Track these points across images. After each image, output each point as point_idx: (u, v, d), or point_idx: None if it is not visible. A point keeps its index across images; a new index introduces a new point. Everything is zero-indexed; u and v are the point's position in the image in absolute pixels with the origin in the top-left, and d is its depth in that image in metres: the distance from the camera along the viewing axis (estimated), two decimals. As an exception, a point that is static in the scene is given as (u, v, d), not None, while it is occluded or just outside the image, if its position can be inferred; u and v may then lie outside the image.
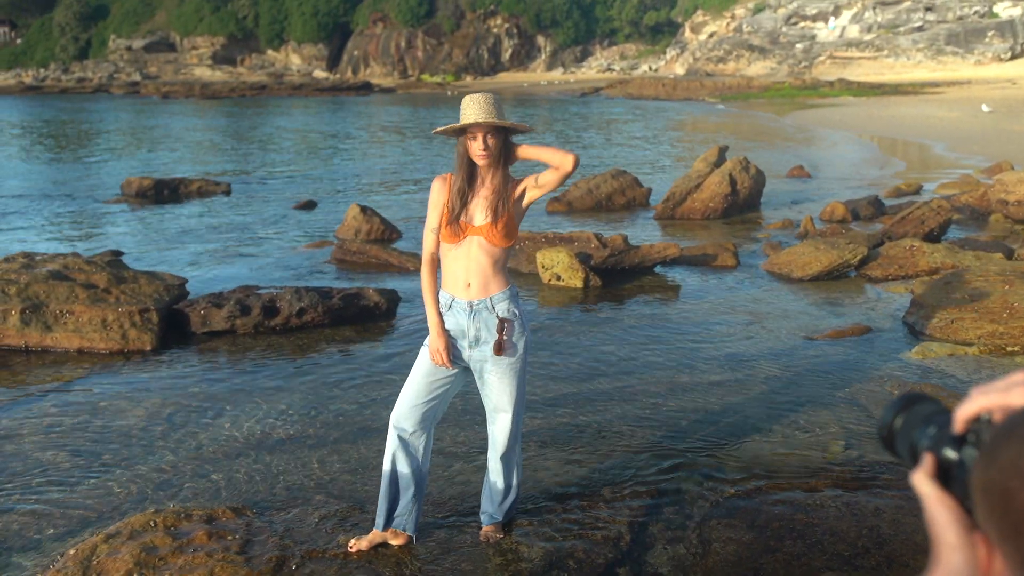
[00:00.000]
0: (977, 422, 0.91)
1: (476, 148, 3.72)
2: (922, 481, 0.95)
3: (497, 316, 3.83)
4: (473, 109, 3.69)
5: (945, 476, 0.93)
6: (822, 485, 4.65)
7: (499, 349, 3.84)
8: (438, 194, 3.86)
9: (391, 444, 3.92)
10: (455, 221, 3.78)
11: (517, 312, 3.89)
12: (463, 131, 3.76)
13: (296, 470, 4.85)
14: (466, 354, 3.88)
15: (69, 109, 48.29)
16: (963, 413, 0.92)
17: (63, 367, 6.57)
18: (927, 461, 0.95)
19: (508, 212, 3.82)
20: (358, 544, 3.96)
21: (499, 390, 3.92)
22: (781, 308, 8.12)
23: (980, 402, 0.91)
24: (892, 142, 25.54)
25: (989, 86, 46.65)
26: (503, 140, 3.78)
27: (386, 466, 3.92)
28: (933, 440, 0.95)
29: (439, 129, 3.86)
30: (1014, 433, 0.82)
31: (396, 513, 3.96)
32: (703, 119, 36.09)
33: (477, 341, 3.84)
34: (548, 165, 3.86)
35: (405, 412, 3.90)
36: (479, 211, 3.80)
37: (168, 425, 5.49)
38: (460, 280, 3.82)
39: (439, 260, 3.92)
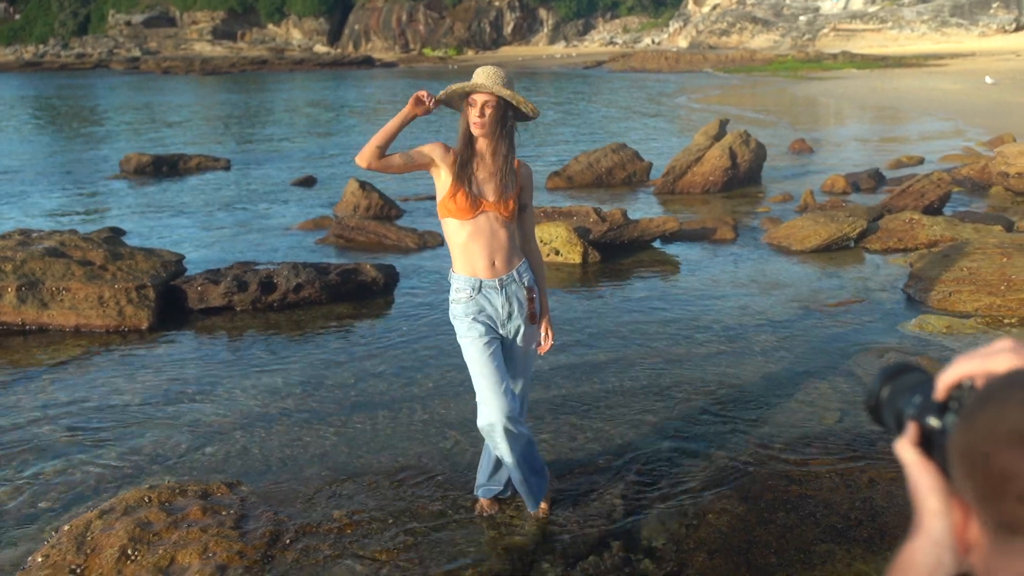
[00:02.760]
0: (959, 389, 0.91)
1: (473, 114, 3.63)
2: (905, 448, 0.94)
3: (525, 286, 3.82)
4: (479, 76, 3.64)
5: (928, 444, 0.93)
6: (817, 456, 4.66)
7: (533, 317, 3.84)
8: (434, 149, 3.70)
9: (503, 440, 3.70)
10: (465, 192, 3.67)
11: (535, 279, 3.89)
12: (466, 97, 3.67)
13: (291, 445, 4.86)
14: (501, 332, 3.82)
15: (68, 85, 48.13)
16: (945, 380, 0.92)
17: (60, 344, 6.58)
18: (911, 429, 0.95)
19: (515, 189, 3.79)
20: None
21: (524, 359, 3.91)
22: (779, 280, 8.11)
23: (962, 369, 0.91)
24: (896, 113, 25.40)
25: (993, 58, 46.33)
26: (502, 115, 3.68)
27: (509, 458, 3.77)
28: (918, 409, 0.95)
29: (443, 93, 3.72)
30: (992, 397, 0.82)
31: (538, 484, 3.95)
32: (705, 90, 35.88)
33: (510, 317, 3.80)
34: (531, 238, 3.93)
35: (500, 401, 3.66)
36: (489, 187, 3.73)
37: (164, 401, 5.51)
38: (483, 259, 3.73)
39: (401, 164, 3.69)
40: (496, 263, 3.75)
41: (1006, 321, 6.78)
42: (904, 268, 8.22)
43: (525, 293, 3.81)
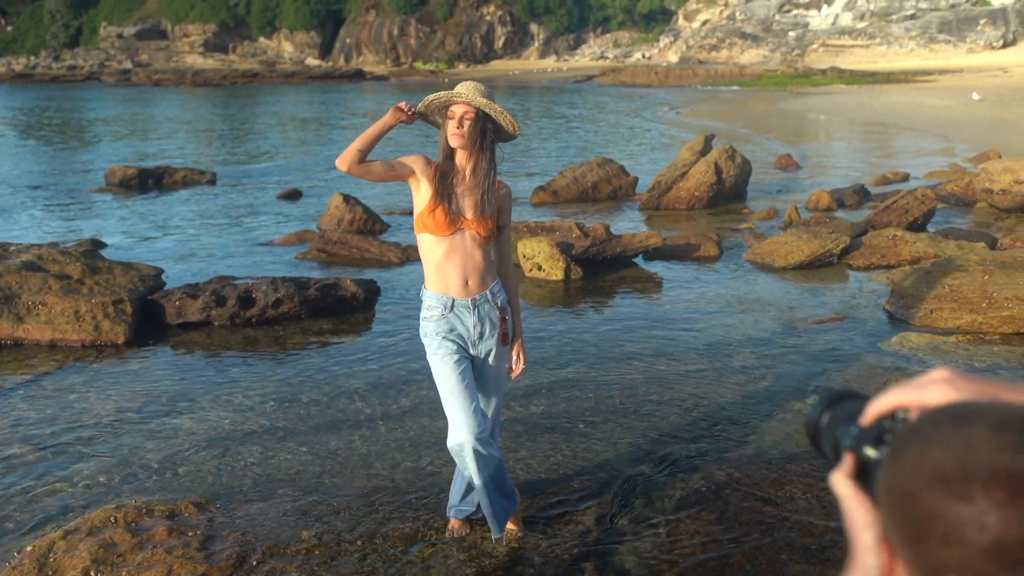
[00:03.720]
0: (893, 420, 0.88)
1: (451, 126, 3.59)
2: (840, 481, 0.91)
3: (498, 307, 3.78)
4: (459, 88, 3.62)
5: (865, 476, 0.90)
6: (793, 477, 4.62)
7: (505, 338, 3.80)
8: (416, 161, 3.67)
9: (472, 460, 3.64)
10: (445, 209, 3.62)
11: (508, 300, 3.85)
12: (445, 109, 3.65)
13: (264, 463, 4.81)
14: (472, 352, 3.78)
15: (58, 97, 48.03)
16: (875, 409, 0.89)
17: (34, 360, 6.51)
18: (847, 460, 0.91)
19: (493, 208, 3.75)
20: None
21: (496, 381, 3.87)
22: (762, 297, 8.09)
23: (895, 399, 0.88)
24: (883, 129, 25.50)
25: (981, 74, 46.61)
26: (482, 128, 3.64)
27: (478, 480, 3.70)
28: (855, 439, 0.91)
29: (423, 104, 3.69)
30: (918, 433, 0.78)
31: (505, 509, 3.87)
32: (693, 105, 35.98)
33: (481, 337, 3.75)
34: (503, 255, 3.90)
35: (469, 420, 3.61)
36: (468, 205, 3.70)
37: (138, 418, 5.44)
38: (456, 278, 3.69)
39: (381, 171, 3.65)
40: (470, 283, 3.70)
41: (987, 338, 6.76)
42: (887, 285, 8.21)
43: (498, 314, 3.77)
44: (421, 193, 3.69)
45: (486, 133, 3.67)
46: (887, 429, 0.89)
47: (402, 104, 3.62)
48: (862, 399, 0.96)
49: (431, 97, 3.64)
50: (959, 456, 0.76)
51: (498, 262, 3.91)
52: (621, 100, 41.53)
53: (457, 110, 3.59)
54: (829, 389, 0.99)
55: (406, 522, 4.17)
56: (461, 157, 3.68)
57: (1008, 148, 17.48)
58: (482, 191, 3.68)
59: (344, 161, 3.53)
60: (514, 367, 3.89)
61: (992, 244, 9.28)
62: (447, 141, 3.64)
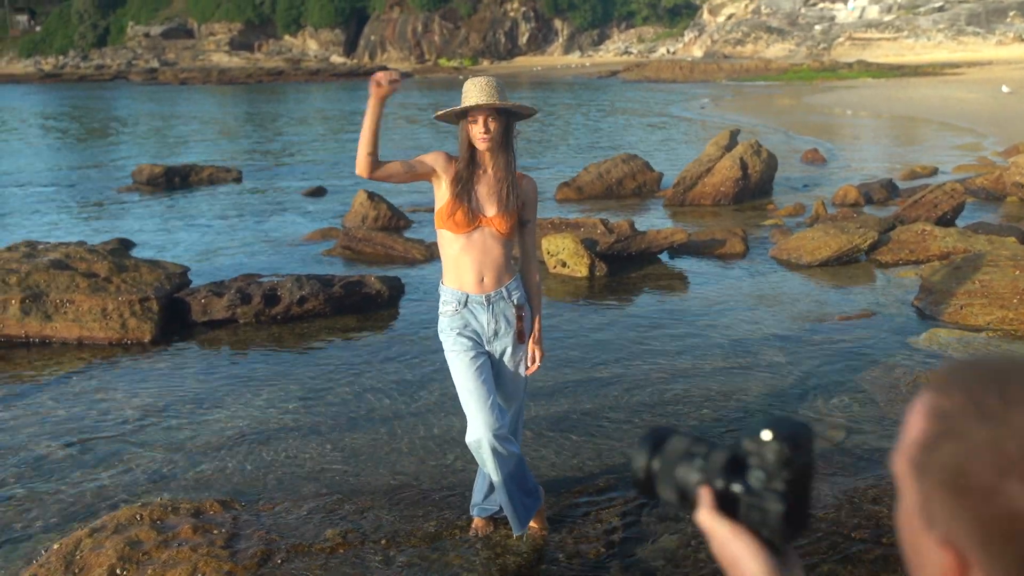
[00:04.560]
0: (756, 443, 0.85)
1: (477, 131, 3.59)
2: (707, 517, 0.87)
3: (514, 304, 3.76)
4: (474, 91, 3.59)
5: (730, 507, 0.87)
6: (822, 474, 4.57)
7: (521, 336, 3.78)
8: (437, 159, 3.65)
9: (490, 457, 3.62)
10: (465, 209, 3.62)
11: (525, 297, 3.83)
12: (464, 116, 3.64)
13: (289, 461, 4.81)
14: (488, 348, 3.77)
15: (86, 97, 48.50)
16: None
17: (62, 358, 6.56)
18: (706, 496, 0.88)
19: (517, 203, 3.73)
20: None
21: (514, 379, 3.85)
22: (789, 294, 8.01)
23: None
24: (911, 122, 25.23)
25: (1010, 66, 45.99)
26: (505, 124, 3.65)
27: (496, 477, 3.68)
28: (705, 473, 0.89)
29: (440, 113, 3.72)
30: (988, 412, 0.70)
31: (526, 506, 3.85)
32: (718, 100, 35.77)
33: (496, 334, 3.74)
34: (528, 257, 3.88)
35: (487, 416, 3.59)
36: (488, 201, 3.68)
37: (163, 416, 5.47)
38: (471, 274, 3.68)
39: (402, 173, 3.62)
40: (485, 279, 3.69)
41: (1018, 334, 6.66)
42: (915, 281, 8.11)
43: (514, 311, 3.74)
44: (442, 190, 3.68)
45: (510, 130, 3.68)
46: (751, 453, 0.86)
47: (377, 76, 3.46)
48: (684, 435, 0.94)
49: (456, 108, 3.62)
50: None
51: (522, 257, 3.90)
52: (646, 95, 41.36)
53: (480, 115, 3.58)
54: (646, 433, 0.95)
55: (430, 520, 4.15)
56: (484, 156, 3.67)
57: (1039, 141, 17.24)
58: (505, 187, 3.67)
59: (360, 167, 3.53)
60: (528, 364, 3.86)
61: (1022, 239, 9.14)
62: (470, 142, 3.63)
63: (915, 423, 0.75)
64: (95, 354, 6.64)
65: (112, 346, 6.78)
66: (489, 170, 3.69)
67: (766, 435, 0.85)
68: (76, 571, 3.61)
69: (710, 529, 0.87)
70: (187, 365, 6.45)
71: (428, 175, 3.67)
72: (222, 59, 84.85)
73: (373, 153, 3.50)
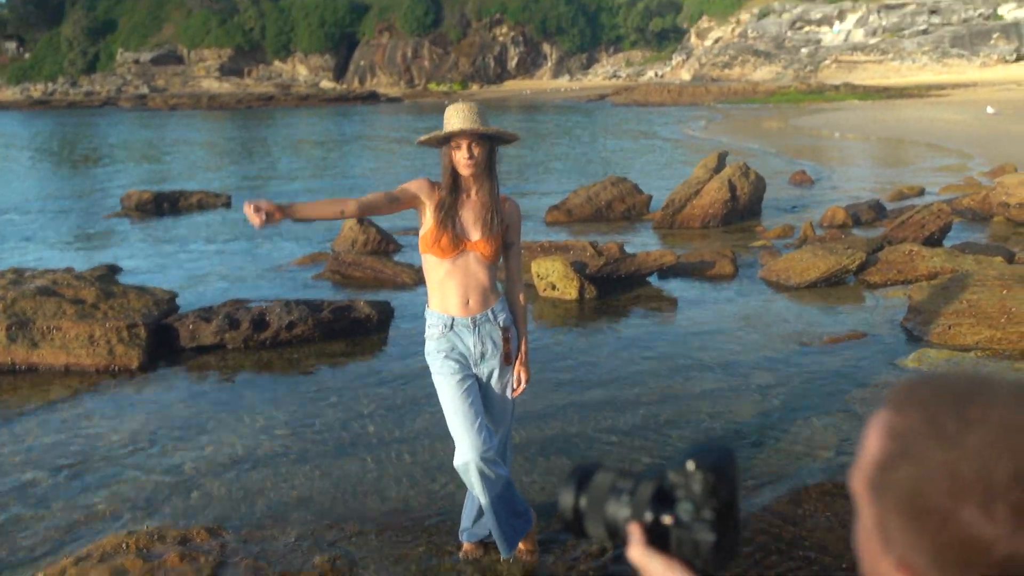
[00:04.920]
0: (682, 474, 0.85)
1: (461, 157, 3.60)
2: (641, 553, 0.87)
3: (500, 326, 3.76)
4: (457, 118, 3.60)
5: (661, 540, 0.86)
6: (812, 496, 4.56)
7: (508, 358, 3.78)
8: (420, 186, 3.67)
9: (478, 480, 3.61)
10: (450, 235, 3.64)
11: (512, 319, 3.83)
12: (447, 141, 3.66)
13: (277, 487, 4.78)
14: (475, 371, 3.76)
15: (75, 123, 48.50)
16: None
17: (49, 385, 6.52)
18: (636, 532, 0.87)
19: (501, 226, 3.74)
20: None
21: (502, 402, 3.84)
22: (778, 315, 8.03)
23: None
24: (898, 144, 25.41)
25: (994, 88, 46.45)
26: (489, 149, 3.68)
27: (485, 500, 3.68)
28: (633, 509, 0.88)
29: (423, 139, 3.75)
30: (943, 432, 0.69)
31: (515, 528, 3.82)
32: (706, 123, 35.97)
33: (483, 357, 3.74)
34: (514, 276, 3.89)
35: (474, 439, 3.58)
36: (472, 226, 3.70)
37: (151, 443, 5.43)
38: (457, 298, 3.69)
39: (387, 206, 3.63)
40: (470, 302, 3.69)
41: (1007, 354, 6.68)
42: (904, 301, 8.13)
43: (500, 333, 3.75)
44: (427, 216, 3.70)
45: (494, 154, 3.70)
46: (677, 485, 0.86)
47: (251, 210, 3.25)
48: (608, 469, 0.93)
49: (439, 134, 3.64)
50: (1013, 460, 0.66)
51: (508, 279, 3.92)
52: (634, 119, 41.57)
53: (463, 140, 3.59)
54: (570, 471, 0.94)
55: (420, 546, 4.13)
56: (468, 180, 3.68)
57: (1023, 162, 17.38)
58: (489, 211, 3.70)
59: (344, 218, 3.55)
60: (515, 387, 3.85)
61: (1010, 258, 9.19)
62: (454, 168, 3.65)
63: (873, 442, 0.75)
64: (82, 381, 6.60)
65: (99, 372, 6.73)
66: (473, 195, 3.71)
67: (690, 466, 0.85)
68: (61, 601, 3.57)
69: (643, 565, 0.87)
70: (175, 391, 6.41)
71: (412, 203, 3.69)
72: (212, 85, 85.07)
73: (341, 212, 3.55)
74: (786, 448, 5.18)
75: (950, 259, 8.94)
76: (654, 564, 0.86)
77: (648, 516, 0.87)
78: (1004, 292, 7.21)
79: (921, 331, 7.19)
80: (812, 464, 4.95)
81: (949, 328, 7.06)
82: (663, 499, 0.87)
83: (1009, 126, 26.65)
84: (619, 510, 0.89)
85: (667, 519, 0.86)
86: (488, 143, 3.66)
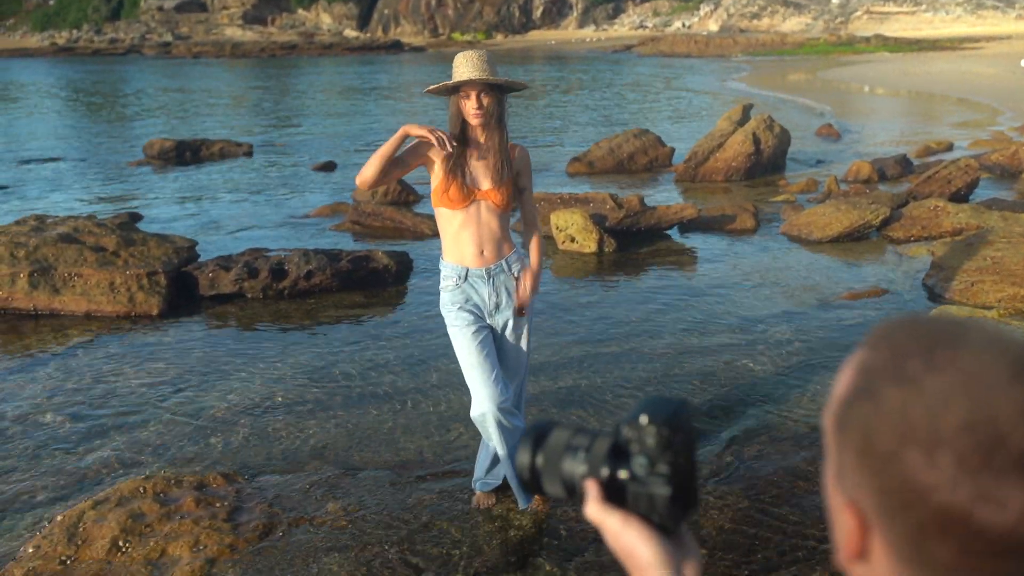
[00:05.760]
0: (635, 429, 0.84)
1: (470, 107, 3.59)
2: (598, 510, 0.86)
3: (514, 276, 3.76)
4: (466, 67, 3.56)
5: (618, 496, 0.86)
6: (813, 454, 4.55)
7: (522, 310, 3.78)
8: (428, 144, 3.64)
9: (496, 430, 3.65)
10: (459, 184, 3.63)
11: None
12: (456, 90, 3.64)
13: (293, 436, 4.82)
14: (489, 322, 3.78)
15: (99, 71, 48.52)
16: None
17: (70, 331, 6.58)
18: (592, 488, 0.86)
19: (511, 174, 3.74)
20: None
21: (516, 353, 3.85)
22: (799, 270, 7.96)
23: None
24: (928, 98, 24.98)
25: (1031, 40, 45.44)
26: (498, 99, 3.65)
27: (502, 450, 3.72)
28: (589, 465, 0.87)
29: (432, 88, 3.74)
30: (903, 373, 0.68)
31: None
32: (732, 74, 35.49)
33: (497, 307, 3.75)
34: (530, 226, 3.88)
35: (491, 390, 3.62)
36: (482, 175, 3.69)
37: (170, 390, 5.49)
38: (471, 248, 3.69)
39: (397, 171, 3.67)
40: (485, 252, 3.69)
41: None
42: (927, 258, 8.04)
43: (514, 284, 3.75)
44: (436, 170, 3.70)
45: (503, 103, 3.68)
46: (631, 440, 0.85)
47: (437, 134, 3.54)
48: (564, 427, 0.92)
49: (448, 84, 3.61)
50: (966, 408, 0.64)
51: (523, 222, 3.93)
52: (660, 70, 41.07)
53: (472, 90, 3.56)
54: (527, 430, 0.93)
55: (432, 495, 4.16)
56: (476, 130, 3.66)
57: (1057, 117, 17.05)
58: (499, 159, 3.69)
59: (365, 182, 3.54)
60: (521, 294, 3.78)
61: (1037, 215, 9.04)
62: (462, 117, 3.64)
63: (844, 377, 0.74)
64: (103, 327, 6.67)
65: (120, 319, 6.80)
66: (482, 144, 3.70)
67: (643, 419, 0.84)
68: (79, 543, 3.63)
69: (601, 521, 0.86)
70: (194, 339, 6.46)
71: (421, 161, 3.68)
72: (235, 33, 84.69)
73: (382, 170, 3.54)
74: (802, 404, 5.17)
75: (975, 215, 8.81)
76: (611, 520, 0.85)
77: (604, 472, 0.86)
78: (1029, 249, 7.11)
79: (942, 288, 7.11)
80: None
81: (972, 285, 6.97)
82: (619, 455, 0.86)
83: (1043, 80, 26.11)
84: (575, 467, 0.88)
85: (622, 474, 0.85)
86: (497, 92, 3.63)
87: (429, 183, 3.82)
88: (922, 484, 0.64)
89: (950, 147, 15.12)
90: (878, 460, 0.67)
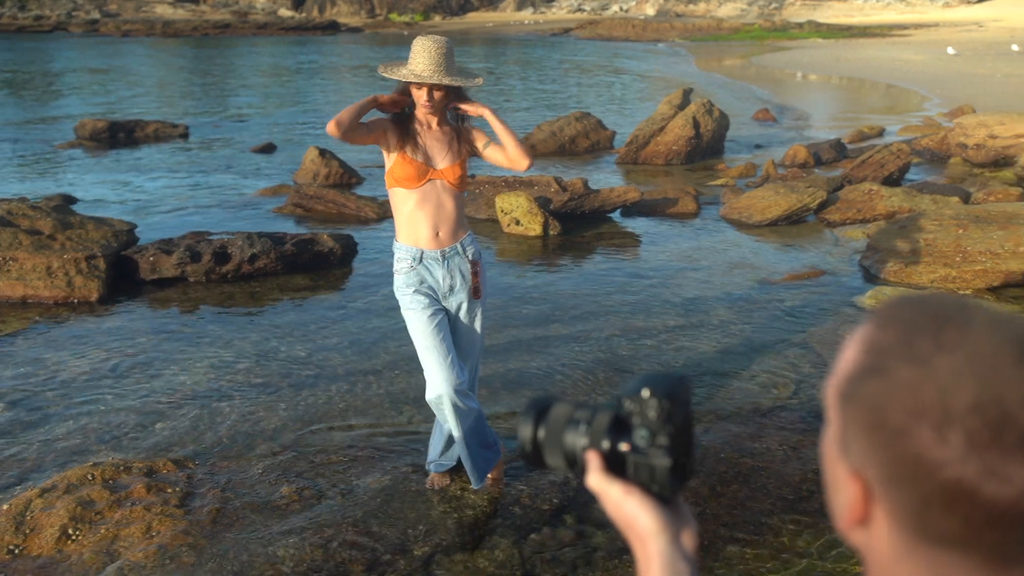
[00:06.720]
0: (637, 402, 0.88)
1: (420, 98, 3.63)
2: (599, 480, 0.90)
3: (469, 260, 3.77)
4: (424, 61, 3.55)
5: (618, 467, 0.90)
6: (770, 429, 4.67)
7: (477, 292, 3.79)
8: (384, 120, 3.69)
9: (452, 412, 3.67)
10: (416, 163, 3.65)
11: (480, 253, 3.85)
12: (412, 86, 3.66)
13: (243, 420, 4.79)
14: (444, 304, 3.79)
15: (24, 49, 47.00)
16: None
17: (6, 317, 6.42)
18: (594, 459, 0.90)
19: (465, 153, 3.76)
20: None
21: (470, 335, 3.88)
22: (739, 253, 8.11)
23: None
24: (859, 84, 25.50)
25: (956, 29, 46.63)
26: (446, 95, 3.68)
27: (458, 432, 3.74)
28: (590, 438, 0.91)
29: (386, 73, 3.70)
30: (913, 351, 0.71)
31: (486, 459, 3.90)
32: (670, 59, 35.79)
33: (452, 290, 3.77)
34: (501, 142, 3.76)
35: (447, 373, 3.62)
36: (437, 154, 3.71)
37: (112, 376, 5.40)
38: (426, 229, 3.69)
39: (364, 134, 3.66)
40: (440, 234, 3.71)
41: (961, 292, 6.83)
42: (862, 240, 8.25)
43: (469, 267, 3.77)
44: (391, 148, 3.69)
45: (450, 95, 3.71)
46: (632, 412, 0.89)
47: (386, 97, 3.69)
48: (565, 402, 0.96)
49: (402, 80, 3.63)
50: (975, 389, 0.68)
51: (505, 147, 3.78)
52: (598, 53, 41.21)
53: (426, 84, 3.59)
54: (528, 405, 0.97)
55: (387, 476, 4.17)
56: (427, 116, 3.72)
57: (982, 103, 17.56)
58: (452, 139, 3.74)
59: (337, 129, 3.50)
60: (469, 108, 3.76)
61: (966, 198, 9.33)
62: (407, 94, 3.68)
63: (849, 354, 0.77)
64: (41, 313, 6.52)
65: (58, 305, 6.65)
66: (435, 125, 3.75)
67: (645, 393, 0.87)
68: (27, 532, 3.57)
69: (602, 491, 0.90)
70: (136, 324, 6.36)
71: (380, 135, 3.68)
72: (166, 11, 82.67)
73: (351, 124, 3.53)
74: (745, 383, 5.28)
75: (908, 199, 9.06)
76: (612, 490, 0.89)
77: (605, 444, 0.89)
78: (959, 232, 7.34)
79: (878, 269, 7.31)
80: (770, 399, 5.06)
81: (905, 266, 7.19)
82: (619, 427, 0.89)
83: (969, 67, 26.83)
84: (577, 440, 0.92)
85: (624, 446, 0.89)
86: (446, 92, 3.66)
87: (373, 166, 3.82)
88: (932, 459, 0.68)
89: (882, 132, 15.48)
90: (888, 434, 0.70)
